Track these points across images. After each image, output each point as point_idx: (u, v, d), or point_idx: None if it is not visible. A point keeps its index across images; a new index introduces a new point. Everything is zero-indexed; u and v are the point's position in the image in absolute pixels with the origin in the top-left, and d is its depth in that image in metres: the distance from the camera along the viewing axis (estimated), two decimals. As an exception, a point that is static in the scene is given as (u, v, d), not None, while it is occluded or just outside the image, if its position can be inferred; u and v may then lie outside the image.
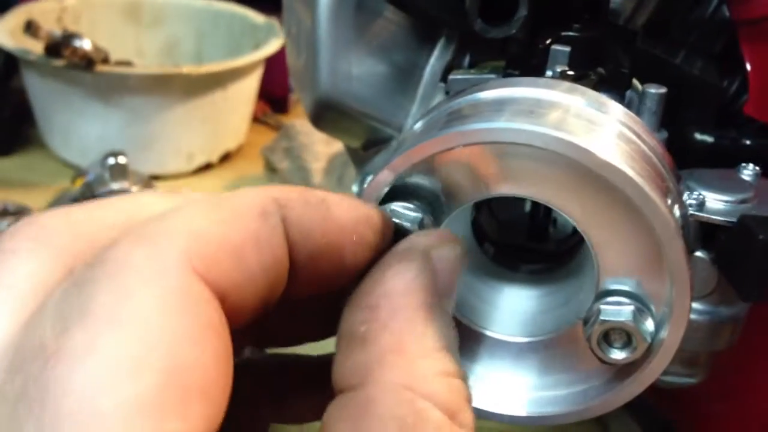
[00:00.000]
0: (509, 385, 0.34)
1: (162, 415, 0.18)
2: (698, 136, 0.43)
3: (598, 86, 0.38)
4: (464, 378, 0.24)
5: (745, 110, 0.44)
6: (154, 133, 1.03)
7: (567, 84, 0.32)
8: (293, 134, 1.02)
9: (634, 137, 0.31)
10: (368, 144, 0.45)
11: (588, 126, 0.30)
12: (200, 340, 0.20)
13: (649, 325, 0.30)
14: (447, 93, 0.43)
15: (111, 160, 0.86)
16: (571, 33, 0.40)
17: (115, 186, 0.86)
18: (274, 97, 1.24)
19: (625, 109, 0.32)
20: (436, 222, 0.32)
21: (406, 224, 0.29)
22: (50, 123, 1.06)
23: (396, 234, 0.28)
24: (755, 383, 0.50)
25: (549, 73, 0.38)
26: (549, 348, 0.34)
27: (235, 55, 1.08)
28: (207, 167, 1.10)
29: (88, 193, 0.85)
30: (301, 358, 0.33)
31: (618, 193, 0.28)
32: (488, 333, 0.35)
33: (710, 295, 0.37)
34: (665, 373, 0.31)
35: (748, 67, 0.44)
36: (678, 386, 0.40)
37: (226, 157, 1.12)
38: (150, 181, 0.94)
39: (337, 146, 0.96)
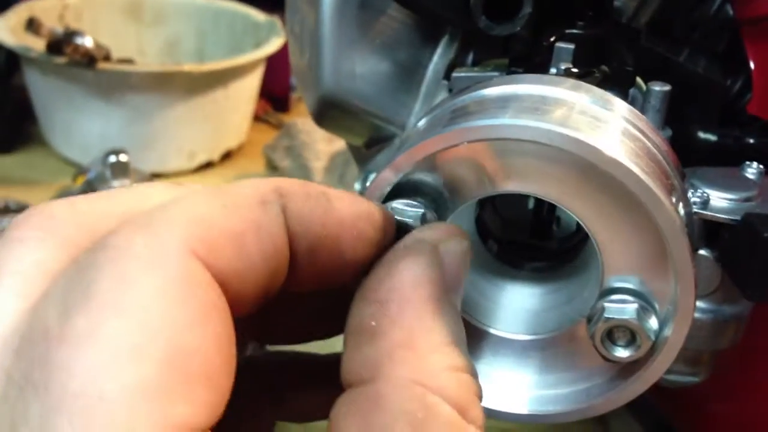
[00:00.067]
0: (512, 383, 0.34)
1: (166, 399, 0.18)
2: (701, 134, 0.43)
3: (602, 84, 0.37)
4: (473, 373, 0.24)
5: (748, 109, 0.44)
6: (155, 131, 1.03)
7: (571, 81, 0.32)
8: (294, 133, 1.02)
9: (639, 134, 0.31)
10: (371, 142, 0.45)
11: (593, 123, 0.29)
12: (201, 323, 0.20)
13: (653, 323, 0.30)
14: (450, 91, 0.43)
15: (112, 158, 0.86)
16: (575, 31, 0.40)
17: (116, 184, 0.86)
18: (275, 95, 1.24)
19: (630, 107, 0.32)
20: (441, 219, 0.31)
21: (409, 221, 0.29)
22: (52, 120, 1.06)
23: (399, 231, 0.28)
24: (757, 383, 0.50)
25: (553, 70, 0.38)
26: (552, 346, 0.34)
27: (236, 53, 1.08)
28: (208, 165, 1.10)
29: (89, 190, 0.85)
30: (302, 356, 0.33)
31: (623, 191, 0.28)
32: (491, 330, 0.35)
33: (714, 293, 0.37)
34: (668, 371, 0.31)
35: (752, 65, 0.44)
36: (681, 385, 0.40)
37: (227, 156, 1.12)
38: (151, 179, 0.94)
39: (338, 145, 0.96)
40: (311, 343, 0.32)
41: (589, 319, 0.31)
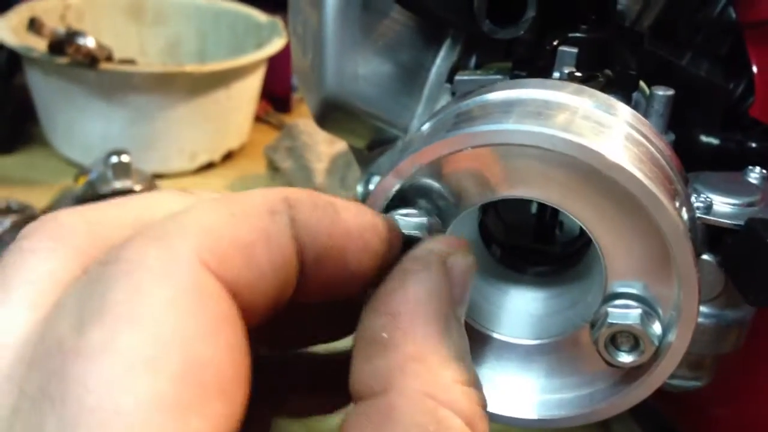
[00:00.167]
0: (516, 388, 0.34)
1: (181, 413, 0.18)
2: (704, 138, 0.43)
3: (605, 88, 0.37)
4: (479, 386, 0.25)
5: (750, 112, 0.44)
6: (157, 131, 1.03)
7: (575, 86, 0.32)
8: (296, 134, 1.02)
9: (642, 139, 0.31)
10: (373, 144, 0.45)
11: (596, 128, 0.29)
12: (214, 335, 0.20)
13: (657, 328, 0.30)
14: (453, 94, 0.43)
15: (114, 159, 0.86)
16: (578, 34, 0.40)
17: (117, 184, 0.86)
18: (276, 96, 1.24)
19: (633, 111, 0.32)
20: (444, 224, 0.31)
21: (414, 232, 0.29)
22: (53, 121, 1.06)
23: (404, 243, 0.28)
24: (759, 387, 0.50)
25: (556, 74, 0.38)
26: (556, 351, 0.34)
27: (238, 54, 1.08)
28: (210, 166, 1.10)
29: (91, 191, 0.84)
30: (302, 355, 0.33)
31: (626, 195, 0.28)
32: (495, 335, 0.35)
33: (717, 298, 0.37)
34: (671, 376, 0.31)
35: (754, 69, 0.44)
36: (683, 389, 0.40)
37: (228, 156, 1.12)
38: (153, 179, 0.93)
39: (339, 147, 0.96)
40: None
41: (593, 324, 0.31)
